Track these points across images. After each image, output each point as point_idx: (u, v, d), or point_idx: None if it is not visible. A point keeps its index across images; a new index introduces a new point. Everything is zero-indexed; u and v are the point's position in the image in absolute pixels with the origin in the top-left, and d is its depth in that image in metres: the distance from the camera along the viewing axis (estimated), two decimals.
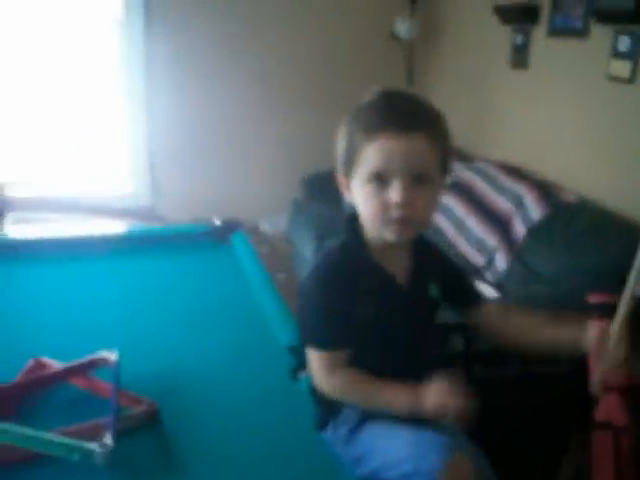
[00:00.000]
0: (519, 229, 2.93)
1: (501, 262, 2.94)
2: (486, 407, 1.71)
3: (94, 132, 4.11)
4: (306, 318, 1.29)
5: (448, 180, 1.26)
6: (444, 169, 1.23)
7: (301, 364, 1.54)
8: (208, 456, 1.29)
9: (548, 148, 3.25)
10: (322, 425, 1.30)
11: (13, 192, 3.90)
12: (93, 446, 1.22)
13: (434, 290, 1.31)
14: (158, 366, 1.58)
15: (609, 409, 1.84)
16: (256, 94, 4.10)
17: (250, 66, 4.07)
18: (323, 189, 3.91)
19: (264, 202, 4.05)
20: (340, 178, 1.27)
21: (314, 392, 1.33)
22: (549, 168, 3.18)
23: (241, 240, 2.26)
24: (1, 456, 1.24)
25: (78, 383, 1.49)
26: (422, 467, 1.07)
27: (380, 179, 1.17)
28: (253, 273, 2.05)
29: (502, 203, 3.08)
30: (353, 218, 1.27)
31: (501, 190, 3.14)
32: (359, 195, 1.22)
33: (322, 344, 1.24)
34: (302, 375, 1.51)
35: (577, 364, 1.86)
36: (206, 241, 2.30)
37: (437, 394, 1.13)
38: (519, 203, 2.98)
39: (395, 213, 1.17)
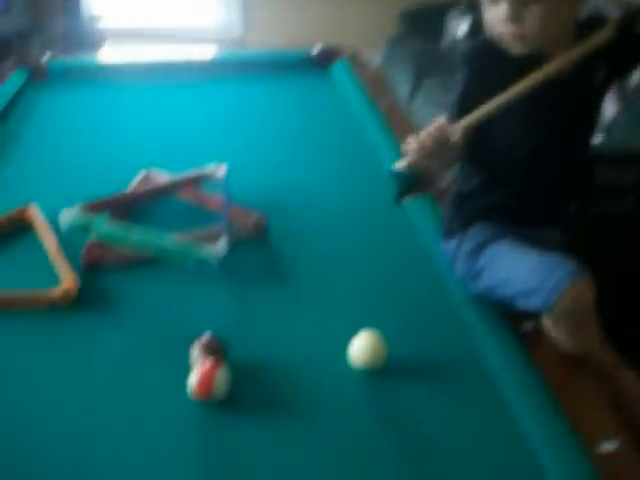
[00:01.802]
0: (634, 76, 2.74)
1: (610, 107, 2.78)
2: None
3: None
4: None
5: None
6: None
7: (405, 189, 1.52)
8: (312, 268, 1.34)
9: None
10: (447, 234, 1.29)
11: (109, 23, 3.90)
12: (207, 251, 1.27)
13: (600, 75, 1.19)
14: (265, 182, 1.61)
15: None
16: None
17: None
18: (423, 24, 3.73)
19: (359, 36, 3.88)
20: None
21: (453, 199, 1.31)
22: None
23: (343, 67, 2.20)
24: (115, 257, 1.33)
25: (187, 197, 1.53)
26: (547, 284, 1.05)
27: None
28: (357, 99, 2.00)
29: None
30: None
31: None
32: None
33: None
34: (406, 200, 1.50)
35: None
36: (306, 67, 2.25)
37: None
38: None
39: (506, 28, 1.11)
